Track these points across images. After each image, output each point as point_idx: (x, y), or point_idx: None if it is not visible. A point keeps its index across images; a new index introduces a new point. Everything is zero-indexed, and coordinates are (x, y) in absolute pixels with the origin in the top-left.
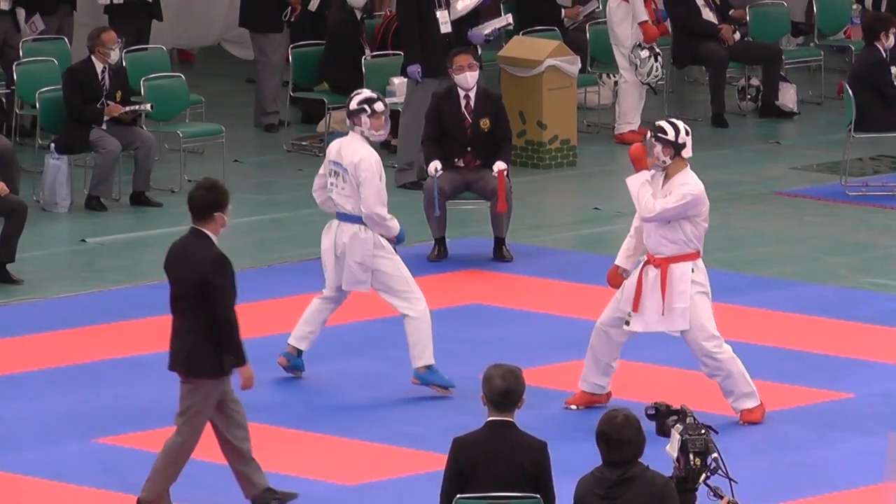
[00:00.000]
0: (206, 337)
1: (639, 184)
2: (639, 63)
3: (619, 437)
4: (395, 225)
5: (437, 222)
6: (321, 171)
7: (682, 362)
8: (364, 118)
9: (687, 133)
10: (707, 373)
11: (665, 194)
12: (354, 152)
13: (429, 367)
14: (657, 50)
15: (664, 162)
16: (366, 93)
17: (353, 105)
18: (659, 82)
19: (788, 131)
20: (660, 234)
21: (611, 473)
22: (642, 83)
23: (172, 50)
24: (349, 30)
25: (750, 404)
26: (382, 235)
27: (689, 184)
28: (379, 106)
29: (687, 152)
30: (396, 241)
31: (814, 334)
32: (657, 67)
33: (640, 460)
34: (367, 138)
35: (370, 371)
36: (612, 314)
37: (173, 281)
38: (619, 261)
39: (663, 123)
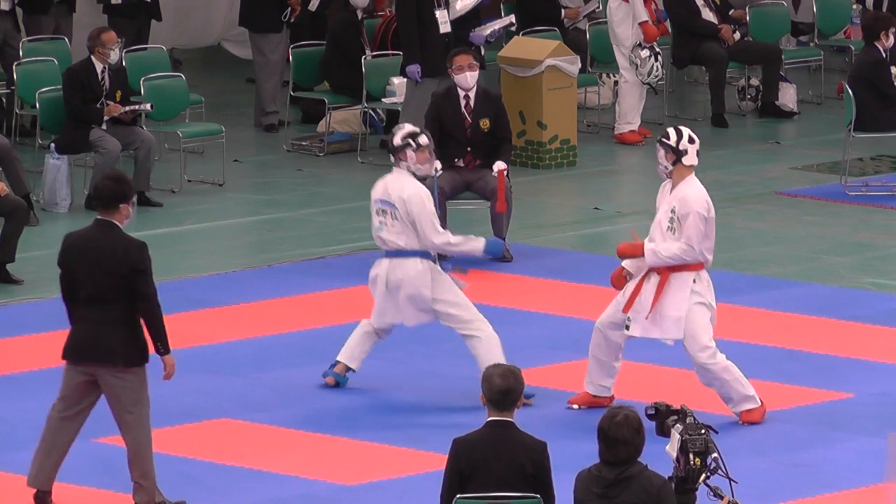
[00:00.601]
0: (135, 325)
1: (653, 252)
2: (639, 63)
3: (615, 436)
4: (471, 246)
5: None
6: (372, 214)
7: (682, 362)
8: (410, 153)
9: (691, 141)
10: (703, 382)
11: (673, 201)
12: (403, 188)
13: None
14: (657, 49)
15: (666, 167)
16: (408, 127)
17: (398, 141)
18: (659, 82)
19: (788, 131)
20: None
21: (608, 472)
22: (643, 83)
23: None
24: (350, 30)
25: (750, 406)
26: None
27: (688, 197)
28: (423, 139)
29: (689, 160)
30: (491, 257)
31: (814, 334)
32: (657, 67)
33: (638, 460)
34: (412, 173)
35: (370, 371)
36: (610, 317)
37: (86, 273)
38: (626, 262)
39: (670, 129)
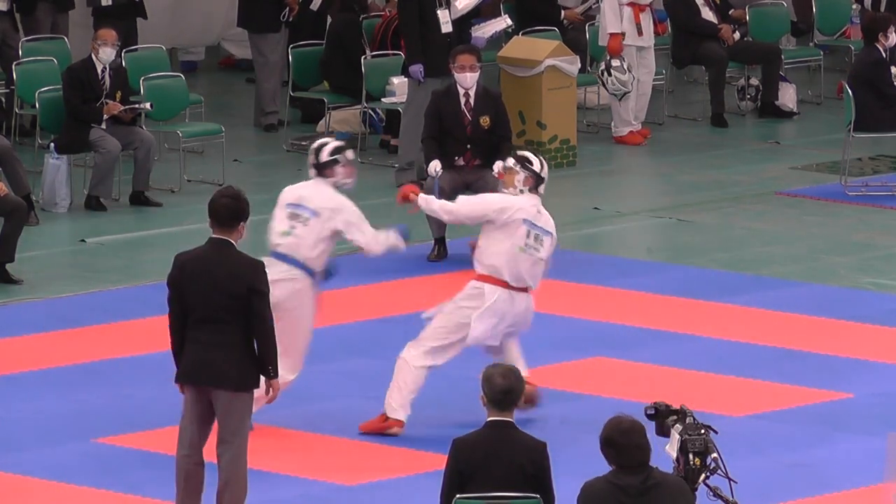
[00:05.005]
0: (249, 348)
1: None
2: (601, 73)
3: (633, 442)
4: (393, 239)
5: (437, 222)
6: (278, 217)
7: (683, 362)
8: (338, 169)
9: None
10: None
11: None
12: (330, 198)
13: None
14: (616, 63)
15: (521, 192)
16: (332, 143)
17: (325, 156)
18: (626, 95)
19: (788, 131)
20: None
21: (632, 479)
22: (610, 93)
23: (178, 55)
24: (351, 29)
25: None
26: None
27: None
28: (350, 154)
29: (542, 189)
30: (405, 237)
31: (814, 334)
32: (612, 82)
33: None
34: (336, 188)
35: (370, 371)
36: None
37: (200, 295)
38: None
39: (528, 154)
